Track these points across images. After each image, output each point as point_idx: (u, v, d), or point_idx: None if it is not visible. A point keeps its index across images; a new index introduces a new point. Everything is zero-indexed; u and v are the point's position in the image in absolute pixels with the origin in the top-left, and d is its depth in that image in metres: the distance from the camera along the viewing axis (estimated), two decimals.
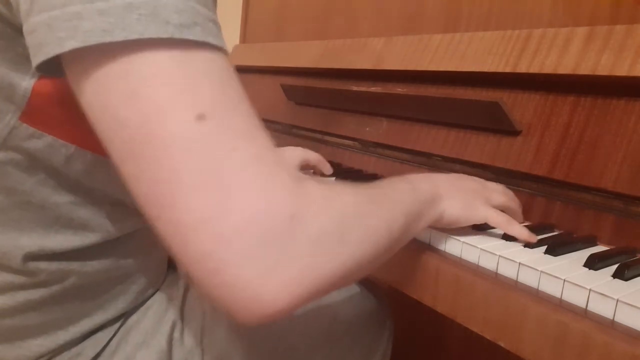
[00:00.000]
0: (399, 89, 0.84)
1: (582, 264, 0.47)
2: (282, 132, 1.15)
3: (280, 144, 0.90)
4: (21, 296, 0.45)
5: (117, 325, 0.53)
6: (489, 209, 0.53)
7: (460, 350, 1.01)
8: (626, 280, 0.44)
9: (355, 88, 0.92)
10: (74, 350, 0.49)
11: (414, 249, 0.54)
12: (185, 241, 0.31)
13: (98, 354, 0.50)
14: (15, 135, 0.40)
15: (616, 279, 0.44)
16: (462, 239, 0.52)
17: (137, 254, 0.52)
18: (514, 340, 0.43)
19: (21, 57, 0.36)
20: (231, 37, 1.55)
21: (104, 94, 0.31)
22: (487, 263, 0.50)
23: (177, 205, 0.30)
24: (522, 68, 0.63)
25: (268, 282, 0.31)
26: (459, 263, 0.50)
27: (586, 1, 0.64)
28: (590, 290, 0.41)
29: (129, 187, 0.33)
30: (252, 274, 0.30)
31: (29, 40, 0.32)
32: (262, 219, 0.31)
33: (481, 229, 0.56)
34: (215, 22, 0.34)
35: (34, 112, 0.39)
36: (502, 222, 0.52)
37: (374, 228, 0.39)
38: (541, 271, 0.45)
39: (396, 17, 0.95)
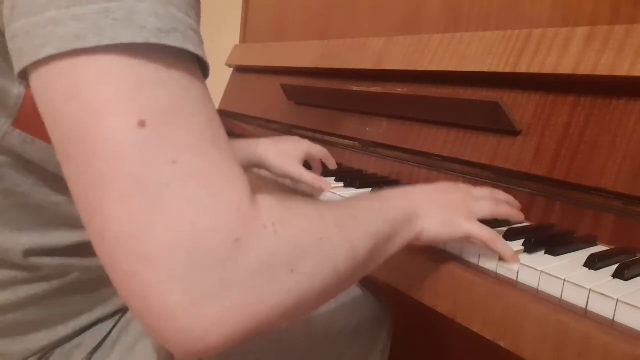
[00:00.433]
0: (399, 89, 0.84)
1: (582, 264, 0.47)
2: (282, 132, 1.15)
3: None
4: (23, 291, 0.46)
5: (117, 316, 0.53)
6: (472, 223, 0.49)
7: (460, 350, 1.01)
8: (626, 280, 0.44)
9: (355, 88, 0.92)
10: (75, 341, 0.50)
11: (414, 249, 0.54)
12: (110, 255, 0.28)
13: (99, 345, 0.51)
14: (8, 141, 0.40)
15: (616, 279, 0.44)
16: None
17: None
18: (514, 340, 0.43)
19: (11, 64, 0.36)
20: (231, 37, 1.55)
21: (50, 89, 0.29)
22: (487, 263, 0.50)
23: (103, 214, 0.28)
24: (522, 68, 0.63)
25: (197, 314, 0.27)
26: (459, 263, 0.50)
27: (586, 1, 0.64)
28: (590, 290, 0.41)
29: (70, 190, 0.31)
30: (179, 302, 0.27)
31: (11, 46, 0.31)
32: (197, 239, 0.27)
33: None
34: (196, 32, 0.32)
35: (26, 119, 0.40)
36: (485, 239, 0.49)
37: (334, 254, 0.35)
38: (541, 271, 0.45)
39: (396, 17, 0.95)
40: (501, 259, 0.49)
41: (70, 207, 0.45)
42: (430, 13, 0.87)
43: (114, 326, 0.53)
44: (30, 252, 0.45)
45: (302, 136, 1.06)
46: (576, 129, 0.59)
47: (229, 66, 1.48)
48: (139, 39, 0.28)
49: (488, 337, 0.45)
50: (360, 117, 0.92)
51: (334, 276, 0.35)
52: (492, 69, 0.67)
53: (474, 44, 0.71)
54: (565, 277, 0.43)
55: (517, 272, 0.47)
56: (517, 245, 0.52)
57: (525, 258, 0.48)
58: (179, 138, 0.29)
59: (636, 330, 0.38)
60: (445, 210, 0.49)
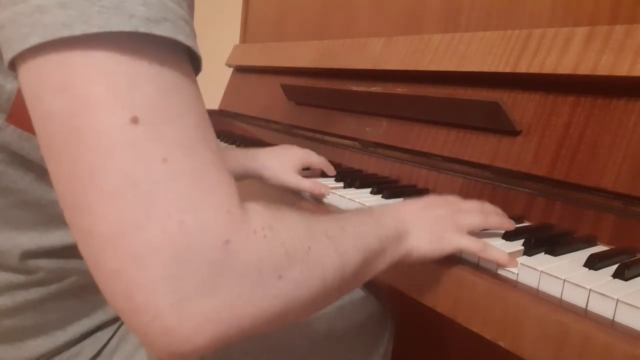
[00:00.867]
0: (399, 89, 0.84)
1: (582, 264, 0.47)
2: (282, 132, 1.15)
3: (280, 144, 0.90)
4: (20, 296, 0.45)
5: (116, 325, 0.52)
6: (461, 236, 0.49)
7: (460, 350, 1.01)
8: (626, 280, 0.44)
9: (355, 88, 0.92)
10: (73, 349, 0.49)
11: (409, 264, 0.54)
12: (96, 253, 0.28)
13: (97, 354, 0.50)
14: (3, 137, 0.39)
15: (616, 279, 0.44)
16: None
17: None
18: (514, 340, 0.43)
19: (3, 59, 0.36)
20: (231, 37, 1.55)
21: (39, 83, 0.28)
22: (487, 263, 0.50)
23: (91, 211, 0.27)
24: (522, 68, 0.63)
25: (183, 315, 0.27)
26: (459, 263, 0.50)
27: (586, 1, 0.64)
28: (590, 290, 0.41)
29: (54, 186, 0.30)
30: (165, 302, 0.27)
31: (0, 38, 0.29)
32: (186, 239, 0.27)
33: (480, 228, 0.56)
34: (188, 22, 0.31)
35: (20, 114, 0.38)
36: (477, 250, 0.49)
37: (322, 264, 0.35)
38: (541, 271, 0.45)
39: (396, 17, 0.95)
40: (498, 266, 0.49)
41: None
42: (430, 13, 0.87)
43: (113, 335, 0.52)
44: (27, 254, 0.44)
45: (302, 136, 1.06)
46: (576, 129, 0.59)
47: (229, 66, 1.48)
48: (128, 27, 0.27)
49: (488, 337, 0.45)
50: (360, 117, 0.92)
51: (321, 286, 0.34)
52: (492, 69, 0.67)
53: (474, 44, 0.71)
54: (565, 277, 0.43)
55: (517, 272, 0.47)
56: (517, 245, 0.52)
57: (525, 258, 0.48)
58: (170, 136, 0.28)
59: (636, 330, 0.38)
60: (434, 226, 0.49)
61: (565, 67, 0.59)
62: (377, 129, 0.88)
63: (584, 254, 0.48)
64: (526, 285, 0.46)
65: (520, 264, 0.47)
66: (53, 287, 0.46)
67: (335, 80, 0.99)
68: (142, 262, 0.26)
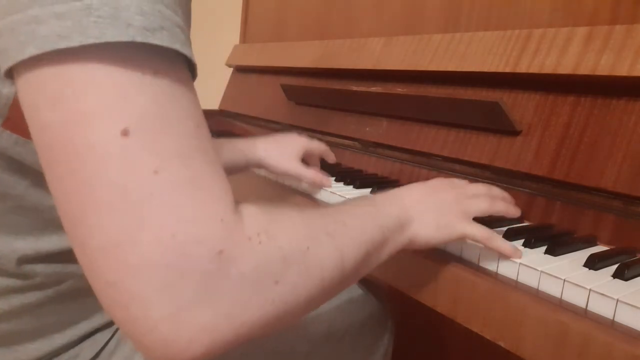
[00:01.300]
0: (399, 89, 0.84)
1: (582, 264, 0.47)
2: (282, 132, 1.15)
3: None
4: (16, 300, 0.45)
5: (115, 327, 0.52)
6: (467, 223, 0.48)
7: (460, 350, 1.01)
8: (626, 280, 0.44)
9: (355, 88, 0.92)
10: (72, 352, 0.49)
11: (414, 250, 0.54)
12: (92, 265, 0.28)
13: (96, 356, 0.50)
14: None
15: (616, 279, 0.44)
16: None
17: None
18: (514, 340, 0.43)
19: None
20: (231, 37, 1.54)
21: (35, 95, 0.28)
22: (487, 263, 0.50)
23: (87, 223, 0.28)
24: (522, 68, 0.63)
25: (179, 326, 0.27)
26: (459, 263, 0.50)
27: (586, 1, 0.64)
28: (590, 290, 0.41)
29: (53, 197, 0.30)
30: (160, 313, 0.27)
31: None
32: (180, 251, 0.27)
33: None
34: (184, 30, 0.31)
35: (16, 119, 0.38)
36: (482, 238, 0.48)
37: (321, 264, 0.34)
38: (541, 271, 0.45)
39: (396, 17, 0.95)
40: (502, 256, 0.48)
41: None
42: (430, 13, 0.87)
43: (112, 337, 0.51)
44: (24, 259, 0.43)
45: (299, 134, 1.06)
46: (576, 129, 0.59)
47: (229, 66, 1.48)
48: (125, 37, 0.27)
49: (488, 337, 0.45)
50: (360, 117, 0.92)
51: (320, 285, 0.34)
52: (492, 69, 0.67)
53: (474, 44, 0.71)
54: (565, 277, 0.43)
55: (517, 272, 0.47)
56: (517, 245, 0.52)
57: (525, 258, 0.48)
58: (163, 146, 0.28)
59: (636, 330, 0.38)
60: (439, 212, 0.48)
61: (565, 67, 0.59)
62: (377, 129, 0.88)
63: (584, 254, 0.48)
64: (526, 285, 0.46)
65: (521, 264, 0.47)
66: (50, 291, 0.46)
67: (335, 80, 0.99)
68: (136, 273, 0.27)
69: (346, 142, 0.95)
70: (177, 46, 0.29)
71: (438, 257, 0.52)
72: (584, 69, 0.57)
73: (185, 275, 0.27)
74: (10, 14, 0.28)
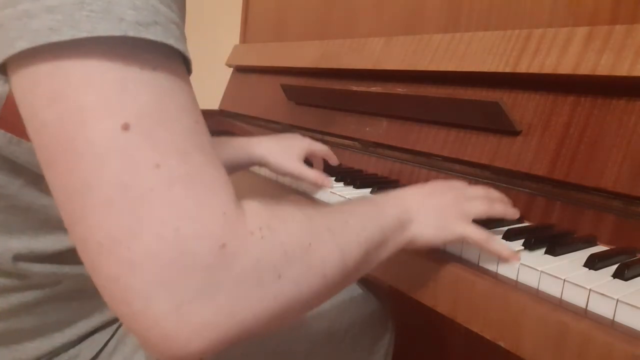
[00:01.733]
0: (399, 89, 0.84)
1: (582, 264, 0.47)
2: (282, 132, 1.15)
3: None
4: (15, 299, 0.44)
5: (114, 326, 0.52)
6: (466, 225, 0.49)
7: (460, 350, 1.01)
8: (626, 280, 0.44)
9: (355, 88, 0.92)
10: (71, 352, 0.49)
11: (414, 250, 0.54)
12: (94, 261, 0.28)
13: (95, 356, 0.50)
14: None
15: (616, 279, 0.44)
16: None
17: None
18: (514, 340, 0.43)
19: None
20: (231, 37, 1.55)
21: (32, 93, 0.28)
22: (487, 263, 0.50)
23: (87, 219, 0.28)
24: (522, 68, 0.63)
25: (181, 321, 0.27)
26: (459, 263, 0.50)
27: (586, 1, 0.64)
28: (590, 290, 0.41)
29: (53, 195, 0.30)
30: (163, 308, 0.27)
31: None
32: (182, 245, 0.27)
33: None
34: (178, 25, 0.31)
35: (10, 118, 0.37)
36: (480, 240, 0.49)
37: (322, 260, 0.34)
38: (541, 271, 0.45)
39: (396, 17, 0.95)
40: (500, 259, 0.49)
41: None
42: (430, 13, 0.87)
43: (111, 337, 0.51)
44: (19, 257, 0.43)
45: (302, 136, 1.06)
46: (576, 129, 0.59)
47: (229, 66, 1.48)
48: (117, 31, 0.27)
49: (488, 337, 0.45)
50: (360, 117, 0.92)
51: (322, 282, 0.34)
52: (492, 69, 0.67)
53: (474, 44, 0.71)
54: (565, 277, 0.43)
55: (517, 272, 0.47)
56: (517, 245, 0.52)
57: (525, 258, 0.48)
58: (163, 141, 0.28)
59: (636, 330, 0.38)
60: (438, 213, 0.49)
61: (565, 67, 0.59)
62: (377, 129, 0.88)
63: (584, 254, 0.48)
64: (526, 285, 0.46)
65: (520, 264, 0.47)
66: (48, 291, 0.45)
67: (335, 80, 0.99)
68: (138, 269, 0.27)
69: (346, 142, 0.95)
70: (171, 41, 0.29)
71: (438, 257, 0.52)
72: (584, 69, 0.57)
73: (188, 270, 0.27)
74: (1, 9, 0.28)
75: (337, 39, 1.02)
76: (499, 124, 0.66)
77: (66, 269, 0.46)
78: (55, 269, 0.45)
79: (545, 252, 0.50)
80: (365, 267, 0.41)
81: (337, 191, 0.72)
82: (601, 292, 0.41)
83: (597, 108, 0.58)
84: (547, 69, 0.61)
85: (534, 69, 0.62)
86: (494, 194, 0.57)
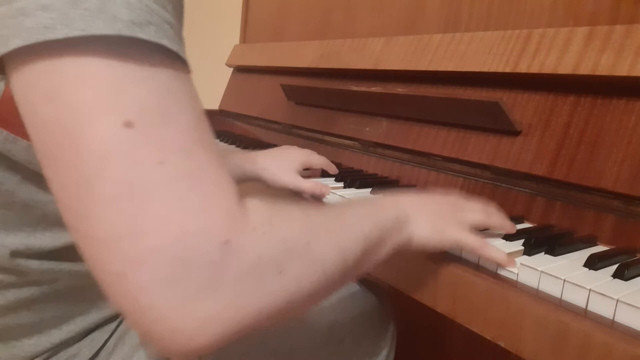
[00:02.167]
0: (399, 89, 0.84)
1: (582, 264, 0.47)
2: (282, 132, 1.15)
3: (280, 144, 0.90)
4: (12, 295, 0.45)
5: (113, 325, 0.52)
6: (462, 231, 0.50)
7: (460, 351, 1.01)
8: (626, 280, 0.44)
9: (355, 88, 0.92)
10: (70, 350, 0.49)
11: (410, 252, 0.54)
12: (98, 258, 0.28)
13: (95, 355, 0.50)
14: None
15: (616, 279, 0.44)
16: None
17: None
18: (514, 340, 0.43)
19: None
20: (231, 37, 1.55)
21: (30, 91, 0.28)
22: (487, 263, 0.50)
23: (90, 217, 0.28)
24: (522, 68, 0.63)
25: (186, 316, 0.27)
26: (459, 263, 0.50)
27: (586, 1, 0.64)
28: (590, 290, 0.41)
29: (52, 191, 0.30)
30: (168, 304, 0.27)
31: None
32: (186, 241, 0.27)
33: (481, 228, 0.56)
34: (173, 26, 0.31)
35: (6, 116, 0.37)
36: (476, 246, 0.49)
37: (322, 258, 0.35)
38: (541, 271, 0.45)
39: (396, 17, 0.95)
40: (497, 265, 0.49)
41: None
42: (430, 13, 0.87)
43: (110, 336, 0.51)
44: (16, 254, 0.43)
45: (302, 136, 1.06)
46: (576, 129, 0.59)
47: (229, 66, 1.48)
48: (111, 30, 0.27)
49: (488, 337, 0.45)
50: (360, 117, 0.92)
51: (322, 279, 0.35)
52: (492, 69, 0.67)
53: (474, 44, 0.71)
54: (565, 277, 0.43)
55: (517, 272, 0.47)
56: (517, 245, 0.52)
57: (525, 258, 0.48)
58: (166, 138, 0.28)
59: (636, 330, 0.38)
60: (436, 218, 0.49)
61: (565, 67, 0.59)
62: (377, 129, 0.88)
63: (584, 254, 0.48)
64: (526, 285, 0.46)
65: (520, 264, 0.47)
66: (46, 287, 0.46)
67: (335, 80, 0.99)
68: (143, 265, 0.27)
69: (346, 142, 0.95)
70: (165, 41, 0.29)
71: (438, 257, 0.52)
72: (584, 69, 0.57)
73: (192, 265, 0.27)
74: None
75: (337, 38, 1.02)
76: (499, 124, 0.66)
77: (63, 265, 0.46)
78: (53, 266, 0.45)
79: (545, 252, 0.50)
80: (364, 266, 0.41)
81: (337, 191, 0.72)
82: (601, 292, 0.41)
83: (597, 108, 0.58)
84: (547, 69, 0.61)
85: (534, 69, 0.62)
86: (492, 207, 0.57)
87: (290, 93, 1.10)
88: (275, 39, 1.34)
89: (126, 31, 0.27)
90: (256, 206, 0.32)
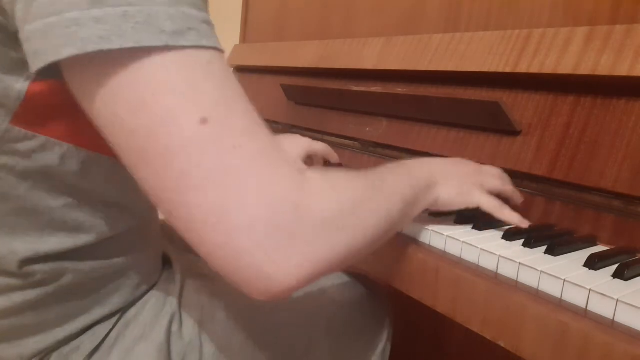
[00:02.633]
0: (399, 89, 0.84)
1: (582, 264, 0.47)
2: (282, 132, 1.15)
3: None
4: (17, 297, 0.45)
5: (115, 318, 0.53)
6: (482, 194, 0.55)
7: (460, 350, 1.01)
8: (626, 280, 0.44)
9: (355, 88, 0.92)
10: (72, 344, 0.50)
11: (414, 249, 0.54)
12: (199, 235, 0.34)
13: (96, 348, 0.50)
14: (7, 140, 0.40)
15: (616, 279, 0.44)
16: (463, 238, 0.52)
17: (131, 251, 0.52)
18: (514, 340, 0.43)
19: (15, 61, 0.37)
20: (231, 37, 1.55)
21: (112, 104, 0.32)
22: (487, 263, 0.50)
23: (189, 203, 0.33)
24: (522, 68, 0.63)
25: (278, 266, 0.34)
26: (459, 263, 0.50)
27: (586, 1, 0.64)
28: (590, 290, 0.41)
29: (142, 187, 0.35)
30: (264, 259, 0.33)
31: (26, 47, 0.32)
32: (270, 209, 0.33)
33: (481, 229, 0.56)
34: (208, 23, 0.35)
35: (26, 114, 0.39)
36: (494, 207, 0.55)
37: (373, 213, 0.41)
38: (541, 271, 0.45)
39: (396, 17, 0.95)
40: (508, 233, 0.53)
41: (65, 212, 0.45)
42: (430, 13, 0.87)
43: (112, 329, 0.52)
44: (25, 262, 0.44)
45: (303, 135, 1.06)
46: (576, 129, 0.59)
47: (229, 66, 1.48)
48: (159, 42, 0.31)
49: (488, 337, 0.45)
50: (360, 117, 0.92)
51: (373, 233, 0.41)
52: (492, 69, 0.67)
53: (474, 44, 0.71)
54: (565, 277, 0.43)
55: (517, 272, 0.47)
56: (517, 245, 0.52)
57: (525, 258, 0.48)
58: (235, 126, 0.34)
59: (636, 330, 0.38)
60: (460, 180, 0.55)
61: (565, 67, 0.59)
62: (377, 129, 0.88)
63: (584, 254, 0.48)
64: (526, 285, 0.46)
65: (520, 264, 0.47)
66: (50, 288, 0.46)
67: (335, 80, 0.99)
68: (241, 233, 0.33)
69: (346, 142, 0.95)
70: (204, 42, 0.33)
71: (438, 257, 0.52)
72: (584, 69, 0.57)
73: (277, 227, 0.33)
74: (43, 18, 0.30)
75: (337, 38, 1.02)
76: (499, 124, 0.66)
77: (67, 264, 0.47)
78: (57, 266, 0.46)
79: (545, 252, 0.50)
80: (403, 221, 0.48)
81: None
82: (601, 292, 0.41)
83: (597, 108, 0.58)
84: (547, 69, 0.61)
85: (534, 69, 0.62)
86: (505, 176, 0.63)
87: (291, 93, 1.10)
88: (275, 39, 1.34)
89: (172, 42, 0.32)
90: (312, 174, 0.37)
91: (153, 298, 0.55)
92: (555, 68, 0.60)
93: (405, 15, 0.93)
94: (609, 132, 0.56)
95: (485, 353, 0.92)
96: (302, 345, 0.61)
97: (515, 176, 0.64)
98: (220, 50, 0.35)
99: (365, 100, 0.90)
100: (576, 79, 0.59)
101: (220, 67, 0.34)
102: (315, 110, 1.04)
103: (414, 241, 0.56)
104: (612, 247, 0.54)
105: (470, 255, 0.51)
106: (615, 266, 0.45)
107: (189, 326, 0.54)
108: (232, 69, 1.47)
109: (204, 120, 0.32)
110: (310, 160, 0.83)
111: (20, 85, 0.38)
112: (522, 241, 0.52)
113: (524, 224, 0.54)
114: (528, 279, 0.46)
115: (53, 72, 0.33)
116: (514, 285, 0.46)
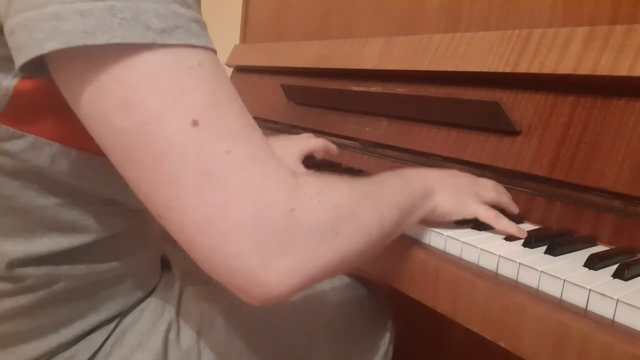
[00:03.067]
0: (399, 89, 0.84)
1: (582, 264, 0.47)
2: (282, 132, 1.15)
3: None
4: (8, 303, 0.44)
5: (111, 326, 0.51)
6: (479, 204, 0.55)
7: (460, 351, 1.01)
8: (626, 280, 0.44)
9: (355, 88, 0.92)
10: (68, 352, 0.48)
11: (415, 249, 0.54)
12: (190, 239, 0.33)
13: (92, 356, 0.49)
14: None
15: (616, 279, 0.44)
16: (463, 238, 0.52)
17: (127, 254, 0.51)
18: (513, 340, 0.43)
19: (2, 58, 0.35)
20: (231, 37, 1.54)
21: (99, 102, 0.31)
22: (487, 263, 0.50)
23: (179, 207, 0.32)
24: (522, 68, 0.63)
25: (270, 272, 0.33)
26: (459, 263, 0.50)
27: (586, 1, 0.64)
28: (590, 290, 0.41)
29: (132, 188, 0.33)
30: (256, 264, 0.33)
31: (10, 42, 0.31)
32: (262, 214, 0.32)
33: (481, 229, 0.56)
34: (198, 21, 0.33)
35: (14, 112, 0.38)
36: (491, 217, 0.54)
37: (367, 222, 0.40)
38: (541, 271, 0.45)
39: (396, 17, 0.95)
40: (508, 236, 0.53)
41: (57, 211, 0.43)
42: (430, 13, 0.87)
43: (108, 337, 0.51)
44: (14, 263, 0.43)
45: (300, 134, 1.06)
46: (576, 129, 0.59)
47: (229, 66, 1.48)
48: (145, 39, 0.30)
49: (488, 337, 0.45)
50: (360, 117, 0.92)
51: (368, 240, 0.41)
52: (492, 69, 0.67)
53: (474, 44, 0.71)
54: (565, 277, 0.43)
55: (517, 272, 0.47)
56: (517, 245, 0.52)
57: (525, 258, 0.48)
58: (226, 128, 0.33)
59: (636, 330, 0.38)
60: (457, 191, 0.55)
61: (565, 67, 0.59)
62: (377, 129, 0.88)
63: (584, 254, 0.48)
64: (526, 285, 0.46)
65: (520, 264, 0.47)
66: (42, 293, 0.45)
67: (335, 80, 0.99)
68: (232, 238, 0.32)
69: (346, 142, 0.95)
70: (193, 41, 0.32)
71: (438, 257, 0.52)
72: (584, 69, 0.57)
73: (269, 233, 0.33)
74: (24, 12, 0.29)
75: (337, 38, 1.02)
76: (499, 124, 0.66)
77: (61, 269, 0.45)
78: (51, 270, 0.45)
79: (545, 252, 0.50)
80: (397, 230, 0.47)
81: None
82: (601, 292, 0.41)
83: (597, 108, 0.58)
84: (547, 69, 0.61)
85: (534, 69, 0.62)
86: (501, 188, 0.62)
87: (290, 93, 1.10)
88: (275, 39, 1.34)
89: (159, 39, 0.30)
90: (307, 179, 0.37)
91: (151, 305, 0.54)
92: (555, 68, 0.60)
93: (405, 15, 0.93)
94: (609, 132, 0.56)
95: (485, 353, 0.92)
96: (303, 348, 0.61)
97: (515, 176, 0.64)
98: (211, 50, 0.34)
99: (365, 100, 0.90)
100: (576, 79, 0.59)
101: (210, 68, 0.33)
102: (315, 110, 1.04)
103: (414, 241, 0.56)
104: (612, 247, 0.54)
105: (470, 255, 0.51)
106: (615, 266, 0.45)
107: (187, 334, 0.53)
108: (232, 68, 1.47)
109: (194, 123, 0.31)
110: (312, 157, 0.83)
111: (7, 83, 0.36)
112: (522, 241, 0.52)
113: (522, 234, 0.53)
114: (528, 279, 0.46)
115: (41, 69, 0.32)
116: (514, 285, 0.46)
